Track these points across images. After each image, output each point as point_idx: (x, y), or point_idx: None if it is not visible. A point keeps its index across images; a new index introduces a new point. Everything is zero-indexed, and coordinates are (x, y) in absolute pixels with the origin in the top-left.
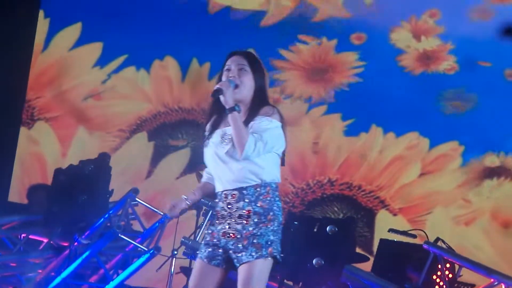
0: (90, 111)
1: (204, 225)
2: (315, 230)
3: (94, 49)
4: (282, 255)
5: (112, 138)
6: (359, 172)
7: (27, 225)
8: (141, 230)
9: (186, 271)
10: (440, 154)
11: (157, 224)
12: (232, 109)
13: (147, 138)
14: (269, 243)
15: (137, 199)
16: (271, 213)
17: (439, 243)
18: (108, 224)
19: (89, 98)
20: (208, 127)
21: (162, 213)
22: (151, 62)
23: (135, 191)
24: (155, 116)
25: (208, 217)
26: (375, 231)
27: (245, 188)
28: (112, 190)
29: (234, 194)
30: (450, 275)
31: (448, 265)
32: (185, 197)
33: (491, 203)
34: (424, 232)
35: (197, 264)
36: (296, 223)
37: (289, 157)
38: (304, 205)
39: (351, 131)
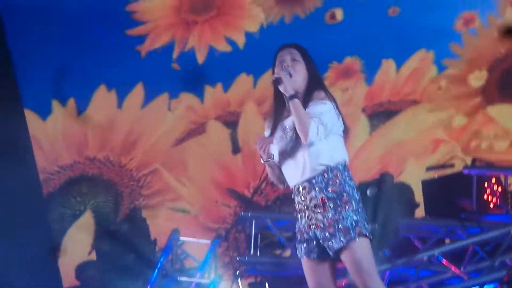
0: None
1: (252, 236)
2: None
3: None
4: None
5: None
6: None
7: None
8: (196, 264)
9: (255, 286)
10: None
11: (209, 253)
12: (293, 96)
13: None
14: (353, 224)
15: (181, 237)
16: (345, 194)
17: (477, 163)
18: (165, 272)
19: None
20: (267, 123)
21: (209, 241)
22: None
23: (175, 232)
24: None
25: (253, 227)
26: None
27: (313, 177)
28: (155, 239)
29: (305, 186)
30: (500, 189)
31: (494, 180)
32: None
33: None
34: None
35: (304, 264)
36: None
37: None
38: None
39: None
